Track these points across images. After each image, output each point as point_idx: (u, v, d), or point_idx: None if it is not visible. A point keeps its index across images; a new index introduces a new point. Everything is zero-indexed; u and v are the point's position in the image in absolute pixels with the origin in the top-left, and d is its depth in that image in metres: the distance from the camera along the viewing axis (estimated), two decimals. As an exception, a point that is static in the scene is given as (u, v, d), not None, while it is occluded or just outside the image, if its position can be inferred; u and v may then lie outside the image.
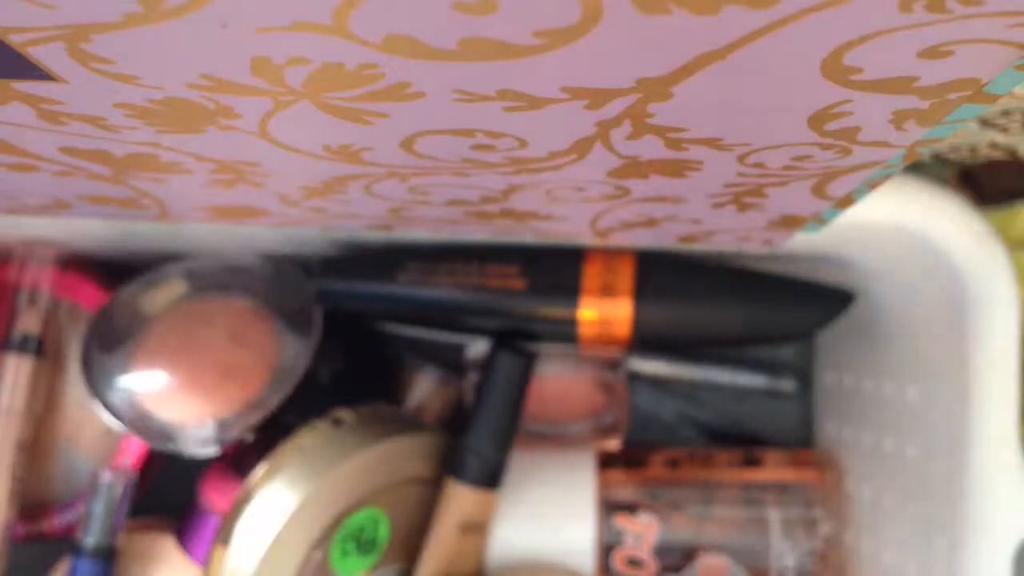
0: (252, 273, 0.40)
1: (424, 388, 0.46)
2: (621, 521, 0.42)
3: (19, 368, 0.39)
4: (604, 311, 0.38)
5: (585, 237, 0.36)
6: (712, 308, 0.38)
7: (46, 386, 0.42)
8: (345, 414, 0.39)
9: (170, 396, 0.37)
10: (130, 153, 0.25)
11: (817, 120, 0.21)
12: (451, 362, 0.49)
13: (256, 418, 0.37)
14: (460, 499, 0.38)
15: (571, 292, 0.38)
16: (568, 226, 0.33)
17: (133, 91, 0.20)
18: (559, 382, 0.43)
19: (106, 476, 0.38)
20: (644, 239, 0.35)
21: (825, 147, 0.23)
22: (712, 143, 0.23)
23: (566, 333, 0.39)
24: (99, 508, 0.38)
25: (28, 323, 0.40)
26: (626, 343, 0.39)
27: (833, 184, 0.27)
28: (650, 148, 0.23)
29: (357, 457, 0.37)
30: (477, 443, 0.38)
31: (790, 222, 0.32)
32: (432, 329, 0.40)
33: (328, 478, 0.36)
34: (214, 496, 0.41)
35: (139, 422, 0.37)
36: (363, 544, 0.38)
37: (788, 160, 0.24)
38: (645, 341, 0.39)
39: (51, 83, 0.20)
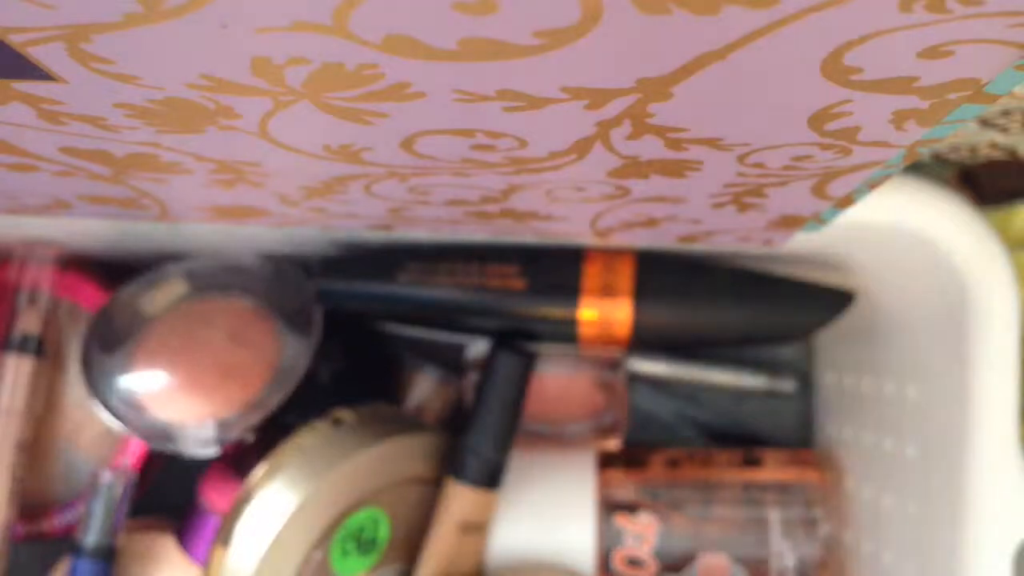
0: (252, 273, 0.40)
1: (424, 388, 0.46)
2: (621, 521, 0.42)
3: (19, 368, 0.39)
4: (604, 311, 0.38)
5: (585, 237, 0.36)
6: (712, 308, 0.38)
7: (46, 386, 0.42)
8: (345, 414, 0.39)
9: (170, 396, 0.37)
10: (130, 153, 0.25)
11: (817, 120, 0.21)
12: (451, 362, 0.49)
13: (256, 418, 0.37)
14: (460, 499, 0.38)
15: (571, 292, 0.38)
16: (568, 226, 0.33)
17: (133, 91, 0.20)
18: (559, 382, 0.43)
19: (106, 476, 0.38)
20: (644, 239, 0.35)
21: (825, 147, 0.23)
22: (712, 143, 0.23)
23: (566, 333, 0.39)
24: (99, 508, 0.38)
25: (28, 323, 0.40)
26: (626, 343, 0.39)
27: (833, 184, 0.27)
28: (650, 148, 0.23)
29: (357, 457, 0.37)
30: (477, 443, 0.38)
31: (790, 222, 0.32)
32: (432, 329, 0.40)
33: (328, 478, 0.36)
34: (214, 496, 0.41)
35: (139, 422, 0.37)
36: (363, 544, 0.38)
37: (788, 160, 0.24)
38: (645, 341, 0.39)
39: (51, 83, 0.20)
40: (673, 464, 0.43)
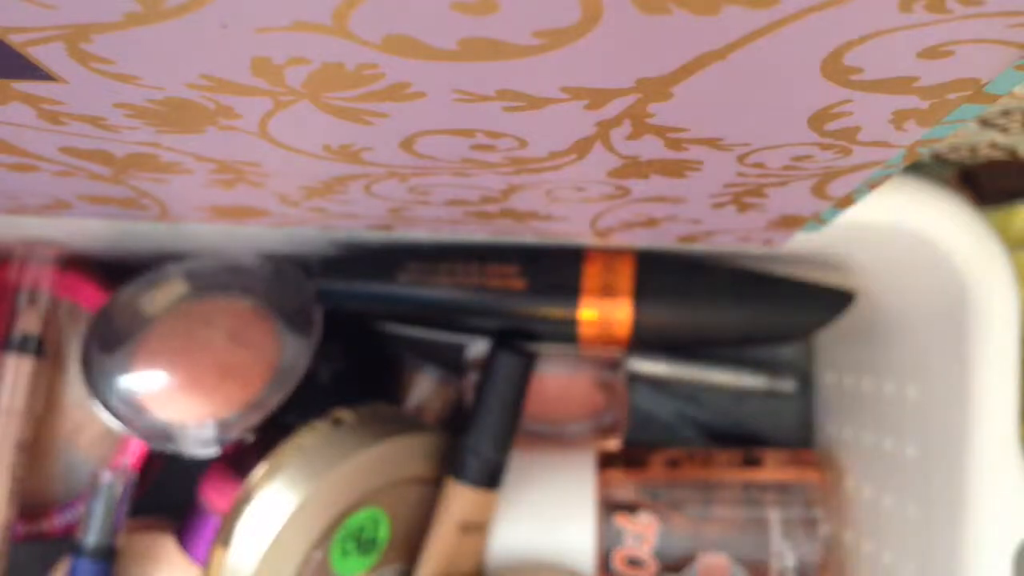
0: (252, 273, 0.40)
1: (424, 388, 0.46)
2: (621, 521, 0.42)
3: (19, 368, 0.39)
4: (604, 311, 0.38)
5: (585, 237, 0.36)
6: (712, 308, 0.38)
7: (46, 386, 0.42)
8: (345, 414, 0.39)
9: (170, 396, 0.37)
10: (130, 153, 0.25)
11: (817, 120, 0.21)
12: (451, 362, 0.49)
13: (256, 418, 0.37)
14: (460, 499, 0.38)
15: (571, 292, 0.38)
16: (568, 226, 0.33)
17: (133, 91, 0.20)
18: (559, 382, 0.43)
19: (106, 476, 0.38)
20: (644, 239, 0.35)
21: (825, 147, 0.23)
22: (712, 143, 0.23)
23: (566, 333, 0.39)
24: (99, 508, 0.38)
25: (28, 323, 0.40)
26: (626, 343, 0.39)
27: (833, 184, 0.27)
28: (650, 148, 0.23)
29: (357, 457, 0.37)
30: (477, 443, 0.38)
31: (790, 222, 0.32)
32: (432, 329, 0.40)
33: (328, 478, 0.36)
34: (214, 496, 0.41)
35: (139, 422, 0.37)
36: (363, 544, 0.38)
37: (788, 160, 0.24)
38: (645, 341, 0.39)
39: (51, 83, 0.20)
40: (673, 464, 0.43)
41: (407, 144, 0.23)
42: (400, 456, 0.39)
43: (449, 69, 0.18)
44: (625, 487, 0.42)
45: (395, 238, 0.38)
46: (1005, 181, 0.41)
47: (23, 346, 0.40)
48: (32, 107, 0.22)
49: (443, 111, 0.21)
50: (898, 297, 0.39)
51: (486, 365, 0.38)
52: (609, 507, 0.42)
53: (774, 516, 0.42)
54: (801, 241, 0.36)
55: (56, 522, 0.42)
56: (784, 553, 0.42)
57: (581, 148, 0.23)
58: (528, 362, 0.38)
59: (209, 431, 0.37)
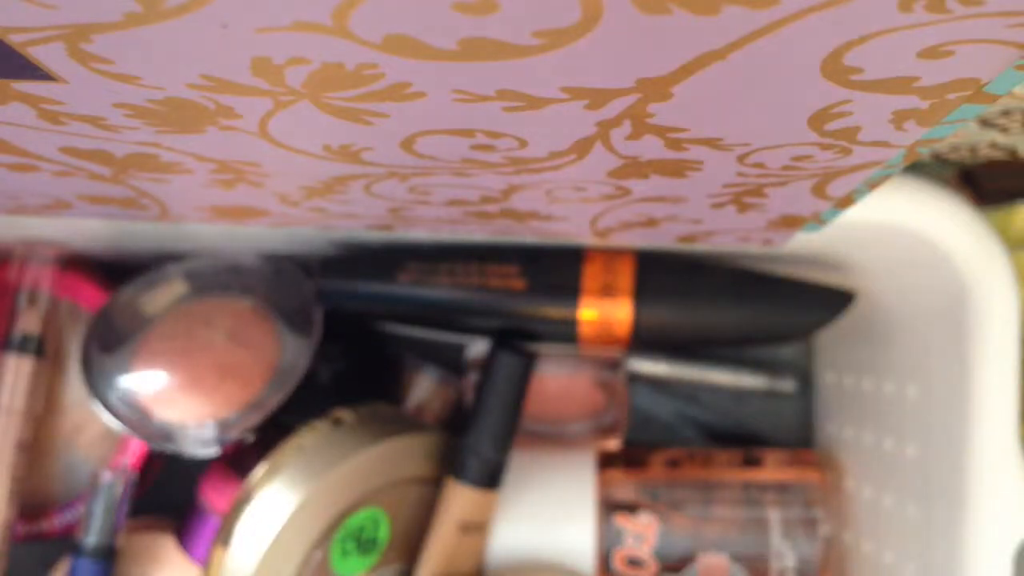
0: (252, 273, 0.40)
1: (424, 388, 0.46)
2: (621, 521, 0.42)
3: (19, 368, 0.39)
4: (604, 311, 0.38)
5: (585, 237, 0.36)
6: (712, 308, 0.38)
7: (46, 386, 0.42)
8: (345, 414, 0.39)
9: (170, 396, 0.37)
10: (130, 153, 0.25)
11: (817, 120, 0.21)
12: (451, 362, 0.49)
13: (256, 418, 0.37)
14: (460, 499, 0.38)
15: (571, 292, 0.38)
16: (568, 226, 0.33)
17: (133, 91, 0.20)
18: (559, 382, 0.43)
19: (106, 476, 0.38)
20: (644, 239, 0.35)
21: (825, 147, 0.23)
22: (712, 143, 0.23)
23: (566, 333, 0.39)
24: (99, 508, 0.38)
25: (28, 323, 0.40)
26: (626, 343, 0.39)
27: (833, 184, 0.27)
28: (650, 148, 0.23)
29: (357, 457, 0.37)
30: (477, 443, 0.38)
31: (790, 222, 0.32)
32: (432, 329, 0.40)
33: (328, 478, 0.36)
34: (214, 496, 0.41)
35: (139, 422, 0.37)
36: (363, 544, 0.38)
37: (788, 160, 0.24)
38: (645, 341, 0.39)
39: (51, 83, 0.20)
40: (673, 464, 0.43)
41: (407, 144, 0.23)
42: (400, 456, 0.39)
43: (449, 69, 0.18)
44: (625, 487, 0.42)
45: (395, 238, 0.38)
46: (1005, 181, 0.41)
47: (23, 346, 0.40)
48: (32, 107, 0.22)
49: (443, 111, 0.21)
50: (898, 297, 0.39)
51: (486, 365, 0.38)
52: (609, 507, 0.42)
53: (774, 516, 0.42)
54: (801, 241, 0.36)
55: (56, 522, 0.42)
56: (784, 553, 0.42)
57: (581, 148, 0.23)
58: (528, 362, 0.38)
59: (209, 431, 0.37)
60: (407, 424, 0.40)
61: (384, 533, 0.39)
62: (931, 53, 0.18)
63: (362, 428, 0.38)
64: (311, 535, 0.36)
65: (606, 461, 0.43)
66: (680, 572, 0.42)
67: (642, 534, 0.42)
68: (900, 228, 0.35)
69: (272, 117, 0.22)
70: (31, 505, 0.42)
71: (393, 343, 0.48)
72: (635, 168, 0.25)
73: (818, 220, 0.32)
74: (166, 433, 0.37)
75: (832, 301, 0.38)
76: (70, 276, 0.42)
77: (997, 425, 0.34)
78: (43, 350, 0.40)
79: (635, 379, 0.48)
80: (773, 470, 0.43)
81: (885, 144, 0.23)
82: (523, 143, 0.23)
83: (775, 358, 0.50)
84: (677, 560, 0.42)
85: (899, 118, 0.21)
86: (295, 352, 0.38)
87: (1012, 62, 0.18)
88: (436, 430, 0.40)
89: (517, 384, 0.38)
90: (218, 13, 0.16)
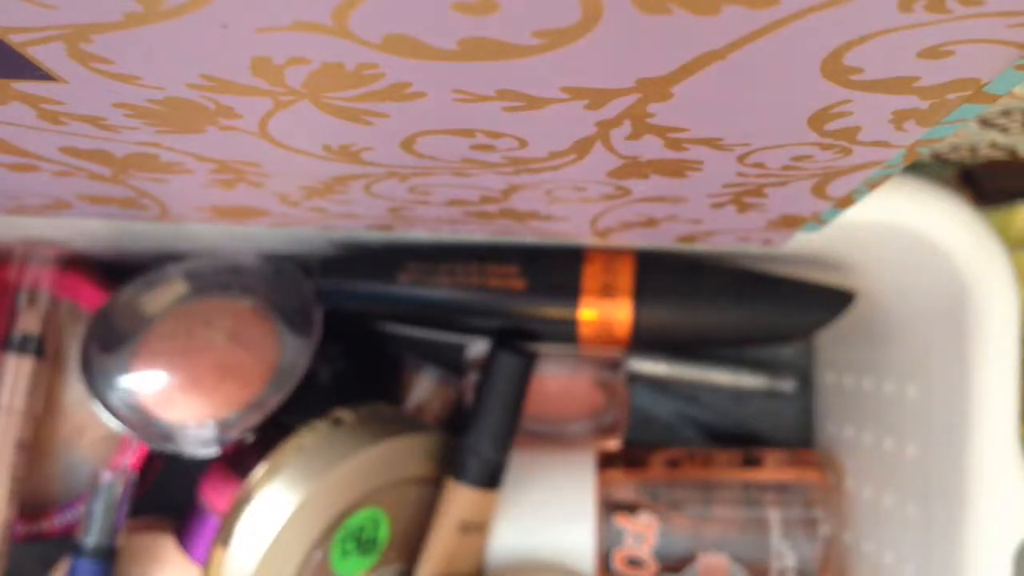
0: (252, 273, 0.40)
1: (424, 388, 0.46)
2: (621, 521, 0.42)
3: (19, 368, 0.39)
4: (604, 311, 0.38)
5: (585, 237, 0.36)
6: (712, 308, 0.38)
7: (46, 386, 0.42)
8: (345, 414, 0.39)
9: (170, 396, 0.37)
10: (130, 153, 0.25)
11: (817, 120, 0.21)
12: (451, 362, 0.49)
13: (256, 418, 0.37)
14: (460, 499, 0.38)
15: (571, 292, 0.38)
16: (568, 226, 0.33)
17: (133, 91, 0.20)
18: (559, 382, 0.43)
19: (106, 476, 0.38)
20: (644, 239, 0.35)
21: (825, 147, 0.23)
22: (712, 143, 0.23)
23: (566, 333, 0.39)
24: (99, 508, 0.38)
25: (28, 323, 0.40)
26: (626, 343, 0.39)
27: (833, 184, 0.27)
28: (650, 148, 0.23)
29: (357, 457, 0.37)
30: (477, 443, 0.38)
31: (790, 222, 0.32)
32: (432, 329, 0.40)
33: (328, 478, 0.36)
34: (214, 496, 0.41)
35: (139, 422, 0.37)
36: (363, 544, 0.38)
37: (788, 160, 0.24)
38: (645, 341, 0.39)
39: (51, 83, 0.20)
40: (673, 464, 0.43)
41: (407, 144, 0.23)
42: (400, 456, 0.39)
43: (449, 69, 0.18)
44: (625, 487, 0.42)
45: (395, 238, 0.38)
46: (1005, 181, 0.41)
47: (23, 346, 0.40)
48: (32, 107, 0.22)
49: (443, 111, 0.21)
50: (898, 297, 0.39)
51: (486, 365, 0.38)
52: (609, 507, 0.42)
53: (774, 516, 0.42)
54: (801, 241, 0.36)
55: (56, 522, 0.42)
56: (784, 553, 0.42)
57: (581, 148, 0.23)
58: (528, 362, 0.38)
59: (209, 431, 0.37)
60: (407, 424, 0.40)
61: (384, 533, 0.39)
62: (931, 53, 0.18)
63: (362, 428, 0.38)
64: (311, 535, 0.36)
65: (606, 461, 0.43)
66: (680, 572, 0.42)
67: (642, 534, 0.42)
68: (900, 228, 0.35)
69: (272, 117, 0.22)
70: (31, 505, 0.42)
71: (393, 343, 0.48)
72: (635, 168, 0.25)
73: (818, 220, 0.32)
74: (166, 433, 0.37)
75: (832, 301, 0.38)
76: (70, 276, 0.42)
77: (997, 425, 0.34)
78: (43, 350, 0.40)
79: (635, 379, 0.48)
80: (773, 470, 0.43)
81: (885, 144, 0.23)
82: (523, 143, 0.23)
83: (775, 358, 0.50)
84: (677, 560, 0.42)
85: (899, 118, 0.21)
86: (295, 352, 0.38)
87: (1012, 62, 0.18)
88: (436, 430, 0.40)
89: (517, 384, 0.38)
90: (218, 13, 0.16)
